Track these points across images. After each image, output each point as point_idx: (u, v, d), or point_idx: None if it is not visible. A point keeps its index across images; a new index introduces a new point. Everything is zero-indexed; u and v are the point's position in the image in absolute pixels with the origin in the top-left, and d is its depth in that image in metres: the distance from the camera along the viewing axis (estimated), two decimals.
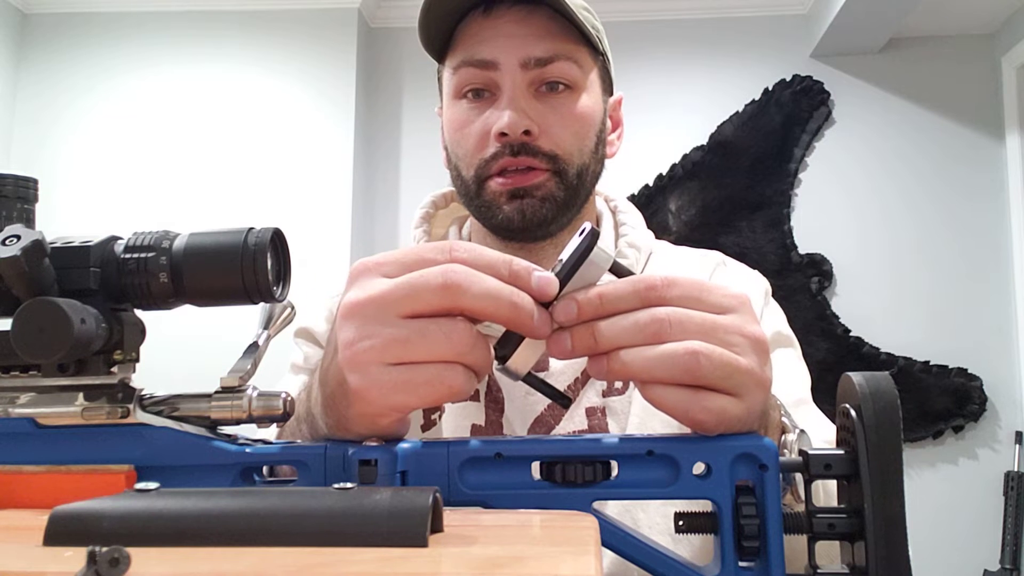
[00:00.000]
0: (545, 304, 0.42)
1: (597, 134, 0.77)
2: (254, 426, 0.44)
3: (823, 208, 2.98)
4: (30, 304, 0.38)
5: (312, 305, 0.84)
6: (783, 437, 0.50)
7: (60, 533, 0.30)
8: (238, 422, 0.43)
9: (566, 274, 0.42)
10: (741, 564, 0.41)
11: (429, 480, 0.41)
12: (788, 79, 3.01)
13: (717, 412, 0.41)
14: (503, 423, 0.72)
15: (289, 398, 0.44)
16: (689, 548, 0.66)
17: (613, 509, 0.64)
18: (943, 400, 2.84)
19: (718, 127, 3.03)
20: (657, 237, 0.86)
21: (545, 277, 0.41)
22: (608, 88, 0.81)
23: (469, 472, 0.42)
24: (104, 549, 0.23)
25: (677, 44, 3.09)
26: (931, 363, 2.87)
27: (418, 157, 3.08)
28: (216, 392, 0.43)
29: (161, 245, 0.41)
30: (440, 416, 0.73)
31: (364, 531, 0.30)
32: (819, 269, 2.93)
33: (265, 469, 0.45)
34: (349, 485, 0.33)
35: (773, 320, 0.81)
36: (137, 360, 0.43)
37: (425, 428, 0.73)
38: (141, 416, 0.41)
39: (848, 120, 3.02)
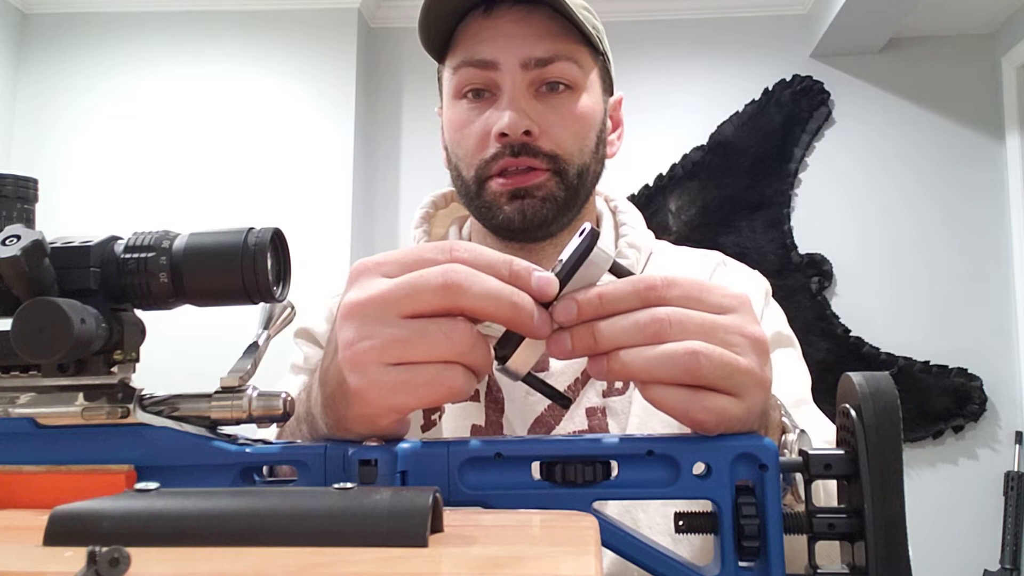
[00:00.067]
0: (545, 304, 0.42)
1: (597, 134, 0.77)
2: (254, 426, 0.44)
3: (823, 208, 2.98)
4: (30, 304, 0.38)
5: (312, 305, 0.84)
6: (783, 437, 0.50)
7: (60, 533, 0.30)
8: (238, 422, 0.43)
9: (566, 274, 0.42)
10: (741, 564, 0.41)
11: (429, 480, 0.41)
12: (788, 79, 3.01)
13: (717, 412, 0.41)
14: (503, 423, 0.72)
15: (289, 398, 0.44)
16: (689, 548, 0.66)
17: (613, 509, 0.64)
18: (943, 400, 2.85)
19: (718, 127, 3.03)
20: (657, 237, 0.86)
21: (545, 277, 0.41)
22: (608, 88, 0.81)
23: (469, 472, 0.42)
24: (104, 549, 0.23)
25: (677, 44, 3.09)
26: (931, 363, 2.87)
27: (418, 157, 3.08)
28: (216, 392, 0.43)
29: (161, 245, 0.41)
30: (440, 416, 0.73)
31: (364, 531, 0.30)
32: (819, 269, 2.93)
33: (265, 469, 0.45)
34: (349, 485, 0.33)
35: (773, 320, 0.81)
36: (137, 360, 0.43)
37: (425, 428, 0.73)
38: (141, 416, 0.41)
39: (848, 120, 3.02)
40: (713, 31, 3.08)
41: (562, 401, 0.46)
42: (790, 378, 0.75)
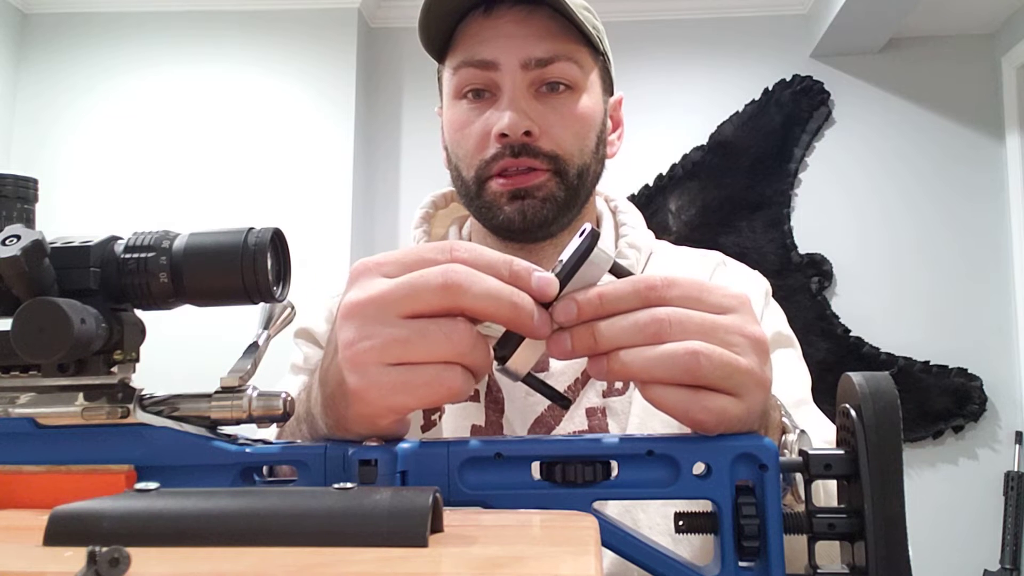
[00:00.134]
0: (545, 305, 0.42)
1: (598, 134, 0.77)
2: (254, 426, 0.44)
3: (823, 208, 2.98)
4: (30, 304, 0.38)
5: (312, 305, 0.84)
6: (783, 437, 0.50)
7: (60, 533, 0.30)
8: (238, 422, 0.43)
9: (566, 275, 0.42)
10: (741, 564, 0.41)
11: (429, 480, 0.41)
12: (788, 79, 3.01)
13: (717, 412, 0.41)
14: (503, 423, 0.72)
15: (289, 398, 0.44)
16: (689, 548, 0.66)
17: (613, 509, 0.64)
18: (943, 400, 2.85)
19: (718, 127, 3.03)
20: (657, 237, 0.86)
21: (545, 277, 0.41)
22: (608, 88, 0.81)
23: (469, 472, 0.42)
24: (104, 549, 0.23)
25: (677, 44, 3.09)
26: (931, 363, 2.87)
27: (418, 157, 3.08)
28: (216, 392, 0.43)
29: (161, 245, 0.41)
30: (440, 416, 0.73)
31: (364, 531, 0.30)
32: (819, 269, 2.93)
33: (265, 469, 0.45)
34: (349, 485, 0.33)
35: (773, 320, 0.81)
36: (137, 360, 0.43)
37: (425, 428, 0.73)
38: (141, 416, 0.41)
39: (848, 120, 3.02)
40: (713, 31, 3.08)
41: (562, 402, 0.46)
42: (790, 378, 0.75)
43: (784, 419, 0.51)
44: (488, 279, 0.40)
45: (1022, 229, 2.88)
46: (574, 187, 0.75)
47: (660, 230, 2.83)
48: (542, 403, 0.72)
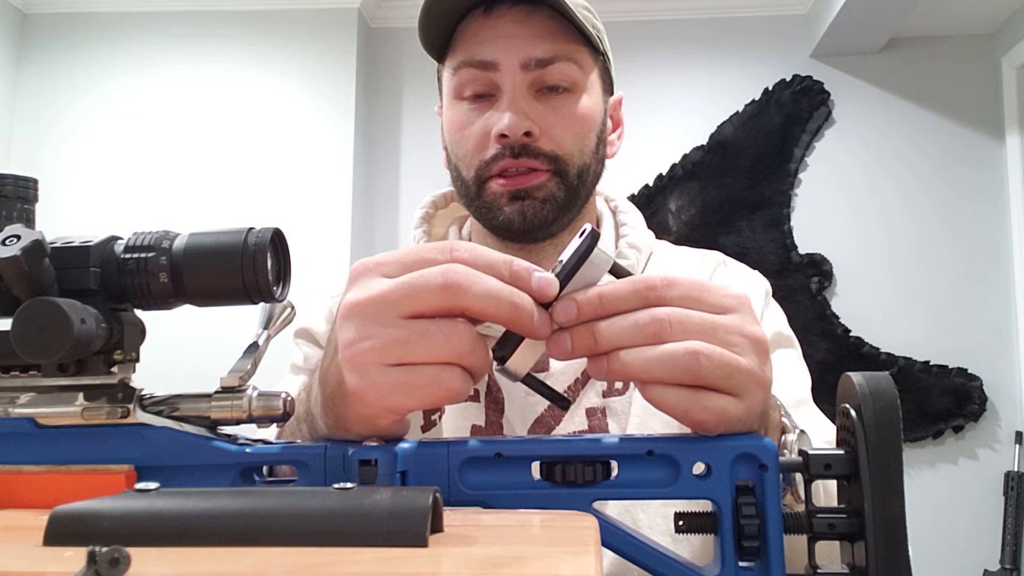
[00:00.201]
0: (545, 305, 0.42)
1: (598, 134, 0.77)
2: (254, 426, 0.44)
3: (823, 208, 2.98)
4: (30, 304, 0.38)
5: (312, 305, 0.84)
6: (783, 437, 0.50)
7: (60, 533, 0.30)
8: (238, 422, 0.43)
9: (566, 275, 0.42)
10: (741, 564, 0.41)
11: (429, 480, 0.41)
12: (788, 79, 3.01)
13: (717, 412, 0.41)
14: (503, 423, 0.72)
15: (289, 398, 0.44)
16: (689, 548, 0.66)
17: (613, 509, 0.64)
18: (943, 400, 2.85)
19: (718, 127, 3.03)
20: (657, 237, 0.86)
21: (545, 278, 0.41)
22: (608, 88, 0.81)
23: (469, 472, 0.42)
24: (104, 549, 0.23)
25: (677, 44, 3.09)
26: (931, 363, 2.87)
27: (418, 157, 3.08)
28: (216, 392, 0.43)
29: (161, 245, 0.41)
30: (440, 417, 0.73)
31: (364, 531, 0.30)
32: (819, 269, 2.93)
33: (265, 469, 0.45)
34: (349, 485, 0.33)
35: (773, 320, 0.81)
36: (137, 360, 0.43)
37: (425, 429, 0.73)
38: (141, 416, 0.41)
39: (848, 120, 3.02)
40: (713, 31, 3.08)
41: (561, 403, 0.46)
42: (790, 378, 0.75)
43: (784, 419, 0.51)
44: (488, 279, 0.40)
45: (1022, 229, 2.88)
46: (574, 187, 0.75)
47: (660, 230, 2.82)
48: (542, 403, 0.72)
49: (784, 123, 2.99)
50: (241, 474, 0.43)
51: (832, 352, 2.86)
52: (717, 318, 0.42)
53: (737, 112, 3.02)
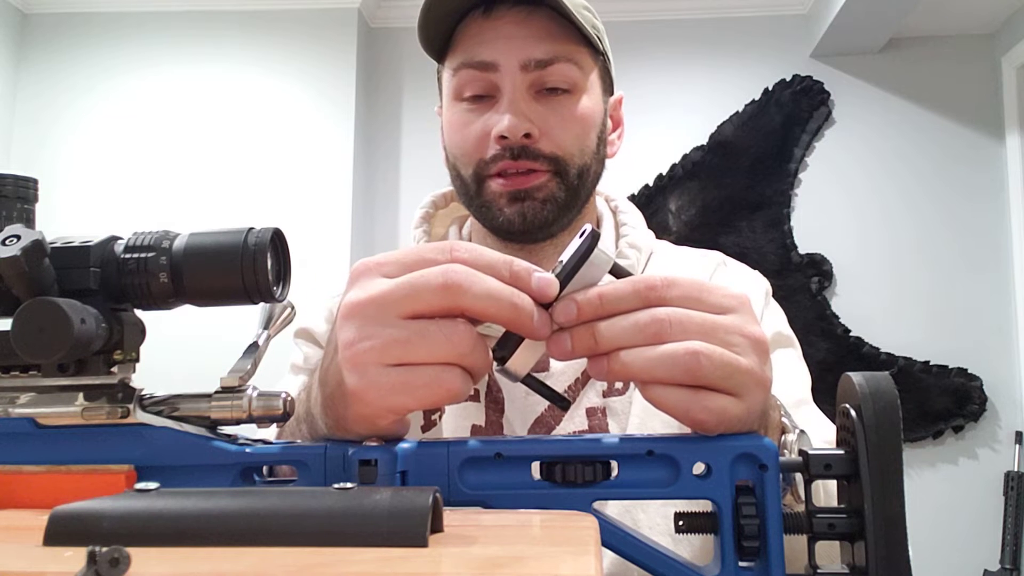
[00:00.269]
0: (545, 306, 0.42)
1: (598, 135, 0.77)
2: (254, 426, 0.44)
3: (823, 208, 2.98)
4: (30, 304, 0.38)
5: (312, 305, 0.84)
6: (783, 437, 0.50)
7: (60, 533, 0.30)
8: (238, 422, 0.43)
9: (566, 275, 0.42)
10: (741, 564, 0.41)
11: (429, 480, 0.41)
12: (788, 79, 3.01)
13: (718, 412, 0.41)
14: (503, 423, 0.72)
15: (289, 398, 0.44)
16: (689, 548, 0.66)
17: (613, 510, 0.64)
18: (943, 400, 2.85)
19: (718, 127, 3.03)
20: (657, 237, 0.86)
21: (545, 278, 0.41)
22: (608, 88, 0.81)
23: (469, 472, 0.42)
24: (104, 549, 0.23)
25: (677, 44, 3.09)
26: (931, 363, 2.87)
27: (418, 157, 3.08)
28: (216, 392, 0.43)
29: (161, 245, 0.41)
30: (440, 417, 0.73)
31: (364, 531, 0.30)
32: (819, 269, 2.93)
33: (265, 469, 0.45)
34: (349, 485, 0.33)
35: (773, 320, 0.81)
36: (137, 360, 0.43)
37: (425, 429, 0.73)
38: (141, 416, 0.41)
39: (848, 120, 3.02)
40: (713, 31, 3.08)
41: (561, 403, 0.46)
42: (790, 378, 0.75)
43: (784, 419, 0.51)
44: (488, 280, 0.40)
45: (1022, 229, 2.88)
46: (574, 187, 0.75)
47: (660, 230, 2.82)
48: (542, 403, 0.72)
49: (784, 123, 3.00)
50: (241, 474, 0.43)
51: (832, 352, 2.86)
52: (717, 318, 0.42)
53: (737, 112, 3.02)
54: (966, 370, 2.87)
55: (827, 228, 2.96)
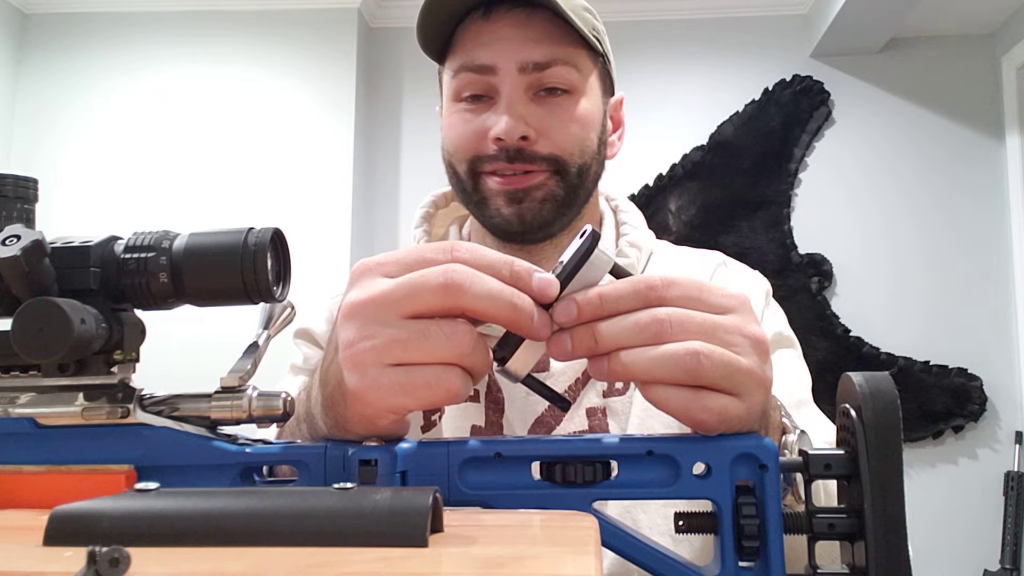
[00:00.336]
0: (546, 306, 0.42)
1: (598, 136, 0.77)
2: (254, 426, 0.44)
3: (823, 208, 2.98)
4: (30, 304, 0.38)
5: (312, 305, 0.84)
6: (783, 438, 0.50)
7: (60, 533, 0.30)
8: (238, 422, 0.43)
9: (567, 276, 0.42)
10: (741, 564, 0.41)
11: (429, 480, 0.41)
12: (788, 79, 3.01)
13: (718, 412, 0.41)
14: (503, 424, 0.72)
15: (289, 398, 0.44)
16: (689, 548, 0.66)
17: (613, 510, 0.64)
18: (943, 400, 2.85)
19: (718, 127, 3.03)
20: (657, 237, 0.86)
21: (546, 278, 0.41)
22: (609, 89, 0.81)
23: (469, 472, 0.42)
24: (104, 549, 0.23)
25: (677, 44, 3.09)
26: (931, 363, 2.87)
27: (418, 157, 3.09)
28: (216, 392, 0.43)
29: (161, 245, 0.41)
30: (440, 417, 0.73)
31: (364, 531, 0.30)
32: (819, 269, 2.93)
33: (265, 469, 0.45)
34: (349, 485, 0.33)
35: (774, 321, 0.81)
36: (137, 360, 0.43)
37: (425, 429, 0.73)
38: (141, 416, 0.41)
39: (848, 120, 3.02)
40: (713, 31, 3.08)
41: (561, 404, 0.46)
42: (790, 379, 0.75)
43: (784, 419, 0.51)
44: (488, 280, 0.40)
45: (1022, 229, 2.88)
46: (574, 186, 0.75)
47: (660, 230, 2.82)
48: (542, 403, 0.72)
49: (784, 123, 3.00)
50: (241, 474, 0.43)
51: (832, 352, 2.86)
52: (717, 318, 0.42)
53: (737, 112, 3.02)
54: (966, 370, 2.87)
55: (827, 228, 2.96)
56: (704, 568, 0.41)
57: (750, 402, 0.42)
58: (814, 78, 3.01)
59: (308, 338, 0.83)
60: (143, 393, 0.42)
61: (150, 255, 0.41)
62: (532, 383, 0.44)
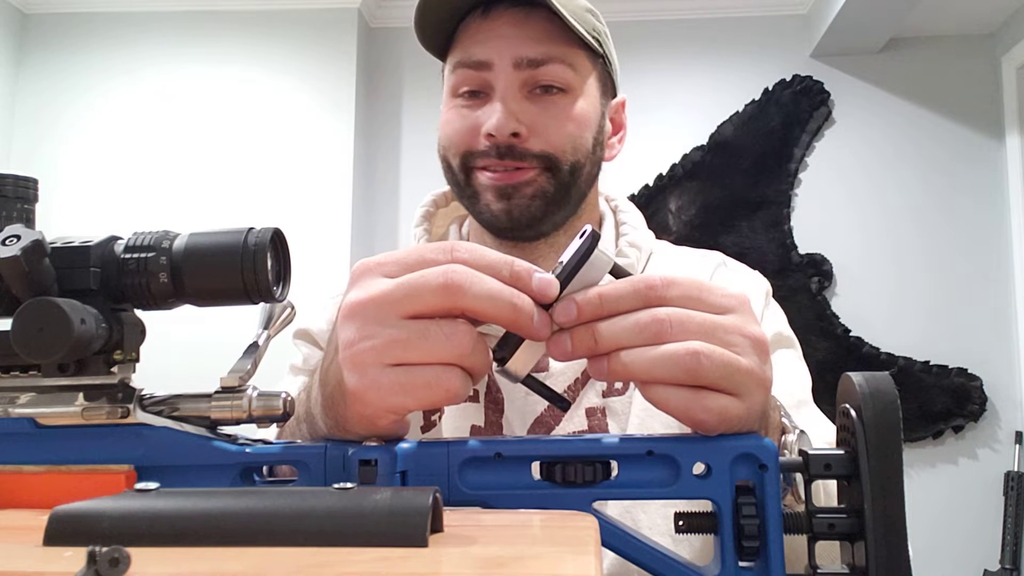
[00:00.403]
0: (545, 306, 0.42)
1: (594, 136, 0.77)
2: (254, 426, 0.44)
3: (823, 208, 2.98)
4: (30, 304, 0.38)
5: (312, 306, 0.84)
6: (783, 438, 0.50)
7: (60, 533, 0.30)
8: (238, 422, 0.43)
9: (566, 276, 0.42)
10: (741, 564, 0.41)
11: (429, 480, 0.41)
12: (788, 79, 3.02)
13: (718, 412, 0.41)
14: (503, 424, 0.72)
15: (289, 398, 0.44)
16: (689, 548, 0.66)
17: (613, 510, 0.64)
18: (943, 400, 2.85)
19: (718, 127, 3.03)
20: (657, 237, 0.86)
21: (546, 279, 0.41)
22: (609, 91, 0.81)
23: (469, 472, 0.42)
24: (104, 549, 0.23)
25: (677, 44, 3.09)
26: (931, 363, 2.87)
27: (418, 157, 3.08)
28: (216, 392, 0.43)
29: (161, 245, 0.41)
30: (440, 417, 0.73)
31: (364, 531, 0.30)
32: (819, 269, 2.93)
33: (265, 469, 0.45)
34: (349, 485, 0.33)
35: (774, 321, 0.81)
36: (137, 360, 0.43)
37: (425, 429, 0.73)
38: (141, 416, 0.41)
39: (848, 120, 3.02)
40: (713, 31, 3.08)
41: (561, 404, 0.46)
42: (790, 379, 0.75)
43: (784, 419, 0.51)
44: (488, 280, 0.40)
45: (1022, 229, 2.88)
46: (565, 184, 0.74)
47: (660, 230, 2.82)
48: (542, 403, 0.72)
49: (784, 123, 3.00)
50: (241, 474, 0.43)
51: (832, 352, 2.86)
52: (717, 318, 0.42)
53: (737, 112, 3.02)
54: (966, 370, 2.87)
55: (827, 228, 2.96)
56: (704, 568, 0.41)
57: (750, 402, 0.42)
58: (814, 78, 3.01)
59: (308, 338, 0.83)
60: (143, 393, 0.42)
61: (150, 255, 0.41)
62: (532, 383, 0.44)
